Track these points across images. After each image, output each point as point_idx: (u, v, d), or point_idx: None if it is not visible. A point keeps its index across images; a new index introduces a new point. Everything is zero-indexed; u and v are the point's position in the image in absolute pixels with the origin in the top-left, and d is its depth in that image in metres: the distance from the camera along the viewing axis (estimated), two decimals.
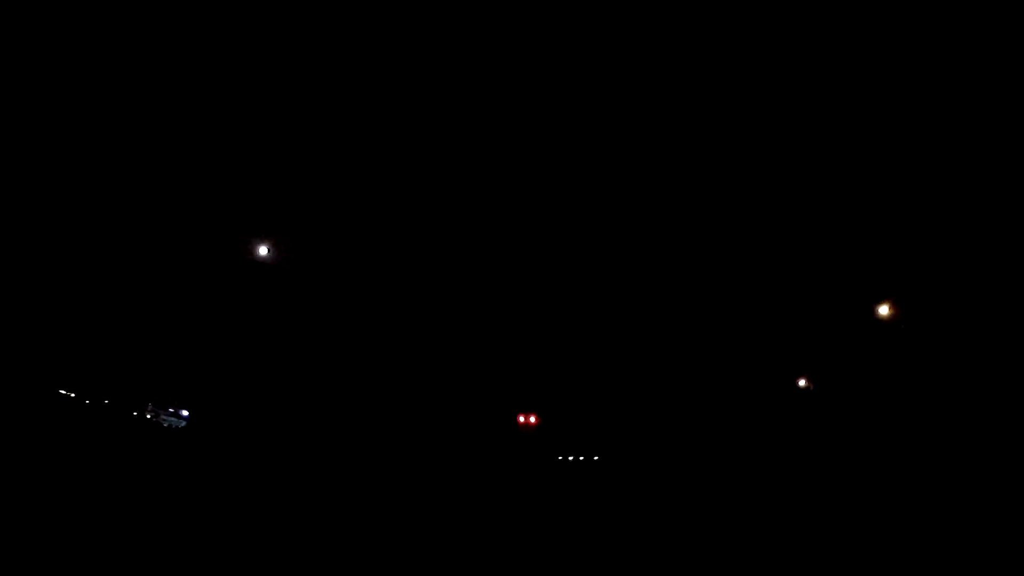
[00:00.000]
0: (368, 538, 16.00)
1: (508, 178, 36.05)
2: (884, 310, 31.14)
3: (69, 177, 25.46)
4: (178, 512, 15.76)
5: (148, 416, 30.79)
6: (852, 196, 32.88)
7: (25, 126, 25.06)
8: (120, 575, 10.86)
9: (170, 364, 30.51)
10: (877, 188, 32.15)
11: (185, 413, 30.91)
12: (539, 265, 37.12)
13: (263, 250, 26.49)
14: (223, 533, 14.26)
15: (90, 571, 10.82)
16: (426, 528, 18.39)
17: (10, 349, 26.89)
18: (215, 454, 27.61)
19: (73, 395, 29.62)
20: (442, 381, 34.07)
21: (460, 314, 35.91)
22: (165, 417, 30.62)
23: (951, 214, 30.92)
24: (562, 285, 37.24)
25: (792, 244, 34.79)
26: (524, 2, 30.44)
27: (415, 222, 34.50)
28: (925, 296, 31.39)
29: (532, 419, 31.62)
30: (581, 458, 33.80)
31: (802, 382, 34.81)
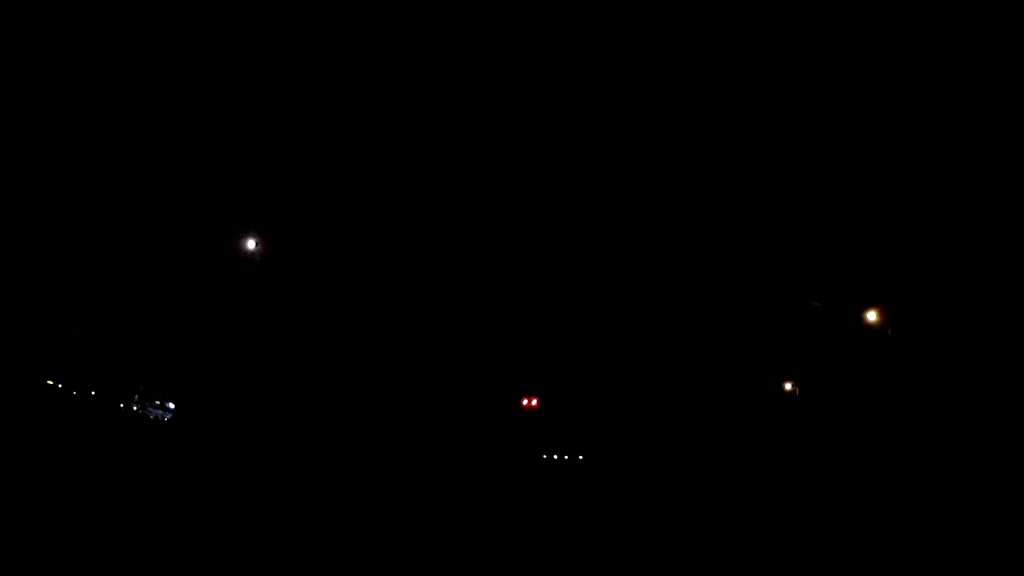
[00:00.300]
0: (367, 525, 16.02)
1: (509, 176, 36.20)
2: (871, 317, 31.22)
3: (51, 173, 25.38)
4: (165, 505, 15.71)
5: (135, 408, 30.74)
6: (839, 205, 33.03)
7: (12, 122, 25.05)
8: (107, 569, 10.78)
9: (157, 357, 30.50)
10: (864, 198, 32.30)
11: (171, 406, 30.89)
12: (535, 266, 37.45)
13: (251, 244, 26.42)
14: (209, 526, 14.21)
15: (76, 564, 10.74)
16: (430, 510, 18.54)
17: None
18: (202, 447, 27.51)
19: (60, 386, 29.63)
20: (450, 373, 35.67)
21: (465, 311, 36.42)
22: (151, 410, 30.58)
23: (936, 224, 31.06)
24: (564, 287, 37.85)
25: (781, 249, 34.92)
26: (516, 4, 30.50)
27: (413, 217, 34.59)
28: (911, 304, 31.51)
29: (534, 402, 35.65)
30: (572, 446, 37.27)
31: (788, 385, 34.97)
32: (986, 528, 16.93)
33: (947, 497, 22.82)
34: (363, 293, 33.86)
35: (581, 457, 36.54)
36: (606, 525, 18.55)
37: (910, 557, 14.19)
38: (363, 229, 33.09)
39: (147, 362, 30.23)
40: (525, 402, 36.21)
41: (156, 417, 30.96)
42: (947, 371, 31.51)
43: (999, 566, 13.26)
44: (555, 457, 36.47)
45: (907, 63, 29.14)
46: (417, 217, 34.44)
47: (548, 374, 37.78)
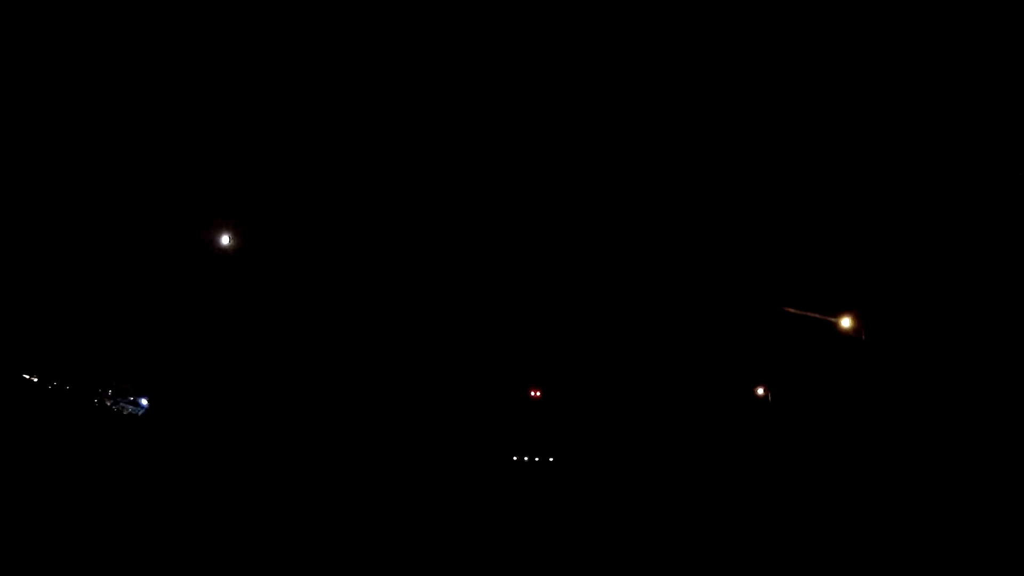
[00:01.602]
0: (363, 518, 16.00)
1: (508, 176, 36.59)
2: (845, 323, 31.26)
3: (24, 167, 25.46)
4: (138, 500, 15.74)
5: (108, 404, 30.79)
6: (814, 212, 33.25)
7: None
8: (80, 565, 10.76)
9: (130, 352, 30.58)
10: (838, 204, 32.52)
11: (144, 402, 30.97)
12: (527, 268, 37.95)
13: (224, 239, 26.51)
14: (183, 521, 14.22)
15: (49, 560, 10.73)
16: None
17: None
18: (176, 442, 27.53)
19: (36, 380, 29.72)
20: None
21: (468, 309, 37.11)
22: (124, 404, 30.67)
23: (911, 230, 31.22)
24: (556, 287, 38.59)
25: (755, 255, 35.12)
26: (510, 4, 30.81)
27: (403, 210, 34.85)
28: (886, 310, 31.56)
29: (537, 392, 41.47)
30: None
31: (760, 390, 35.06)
32: (958, 533, 16.93)
33: (918, 500, 22.82)
34: (353, 283, 34.06)
35: (552, 459, 37.21)
36: (580, 522, 18.64)
37: (877, 559, 14.20)
38: (356, 219, 33.31)
39: (120, 357, 30.33)
40: (531, 393, 41.72)
41: (130, 412, 31.04)
42: (922, 377, 31.52)
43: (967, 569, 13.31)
44: (525, 459, 37.37)
45: (872, 74, 29.47)
46: (416, 205, 34.79)
47: (547, 369, 42.24)
